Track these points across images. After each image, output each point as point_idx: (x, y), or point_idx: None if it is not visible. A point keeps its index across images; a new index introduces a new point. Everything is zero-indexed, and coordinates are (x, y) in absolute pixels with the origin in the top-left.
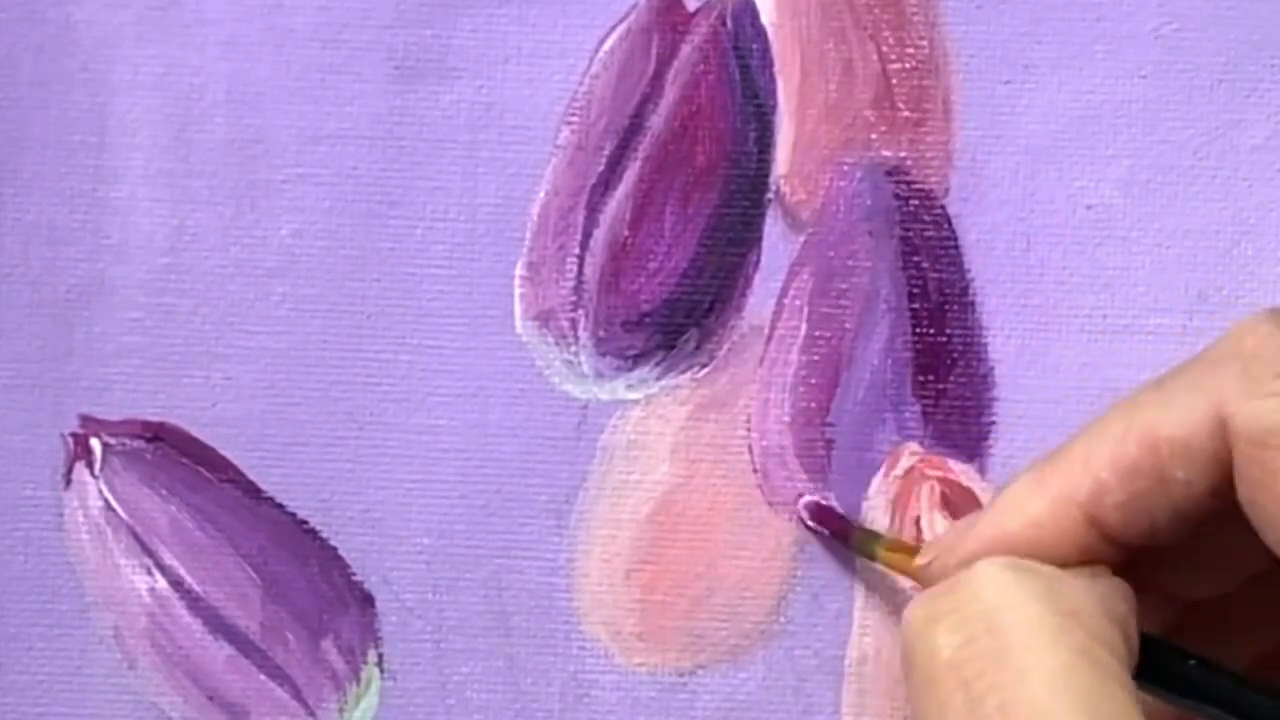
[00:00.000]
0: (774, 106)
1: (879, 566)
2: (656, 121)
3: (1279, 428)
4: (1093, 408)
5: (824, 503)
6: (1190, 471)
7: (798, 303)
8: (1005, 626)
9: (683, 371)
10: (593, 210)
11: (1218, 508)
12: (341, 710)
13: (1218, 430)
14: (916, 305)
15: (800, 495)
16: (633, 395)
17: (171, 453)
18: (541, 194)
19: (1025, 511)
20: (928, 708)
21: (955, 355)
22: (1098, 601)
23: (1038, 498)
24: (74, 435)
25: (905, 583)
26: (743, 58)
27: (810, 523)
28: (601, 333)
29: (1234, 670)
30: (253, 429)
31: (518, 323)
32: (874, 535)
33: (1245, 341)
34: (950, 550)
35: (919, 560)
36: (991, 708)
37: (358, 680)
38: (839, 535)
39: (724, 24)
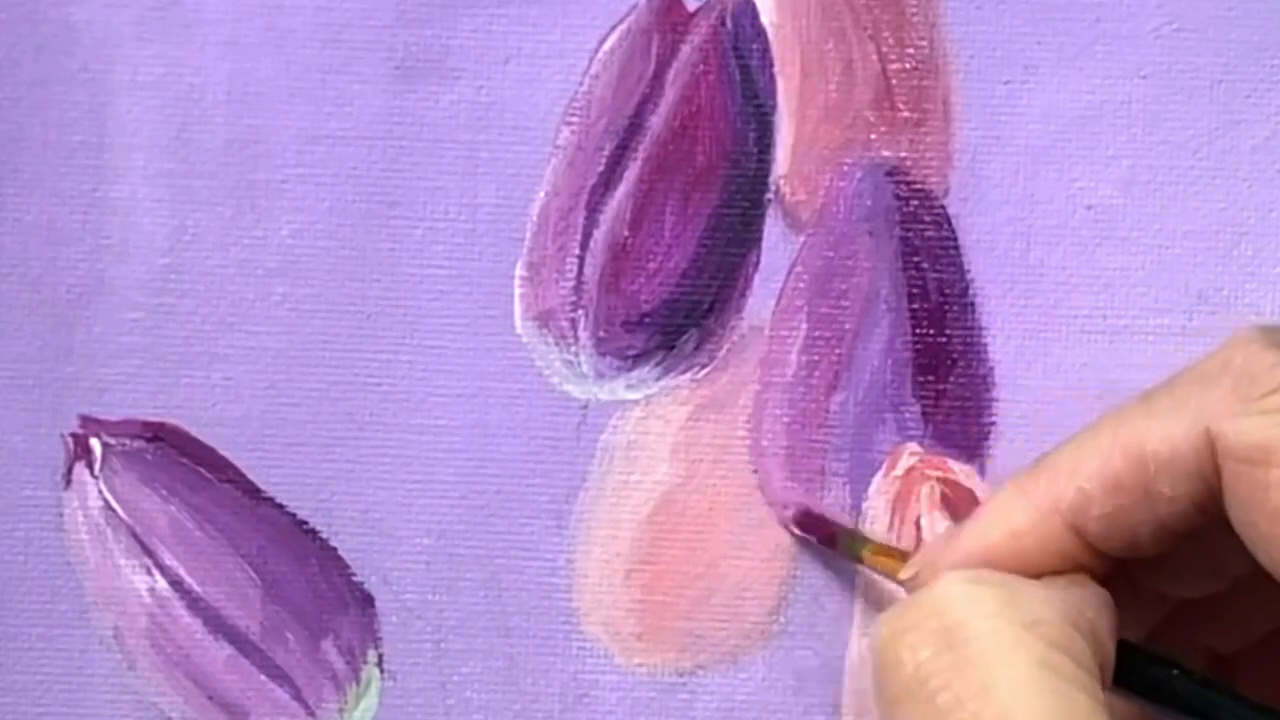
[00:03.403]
0: (774, 107)
1: (867, 570)
2: (656, 122)
3: (1269, 444)
4: (1093, 408)
5: (813, 510)
6: (1176, 487)
7: (798, 303)
8: (966, 640)
9: (683, 372)
10: (593, 210)
11: (1203, 522)
12: (341, 710)
13: (1205, 447)
14: (916, 305)
15: (789, 505)
16: (633, 395)
17: (171, 453)
18: (541, 194)
19: (1008, 521)
20: None
21: (955, 355)
22: (1060, 610)
23: (1020, 508)
24: (74, 435)
25: None
26: (743, 58)
27: (797, 531)
28: (601, 333)
29: (1214, 681)
30: (253, 429)
31: (518, 323)
32: (860, 539)
33: (1234, 358)
34: (933, 563)
35: (903, 574)
36: None
37: (357, 680)
38: (826, 541)
39: (724, 24)
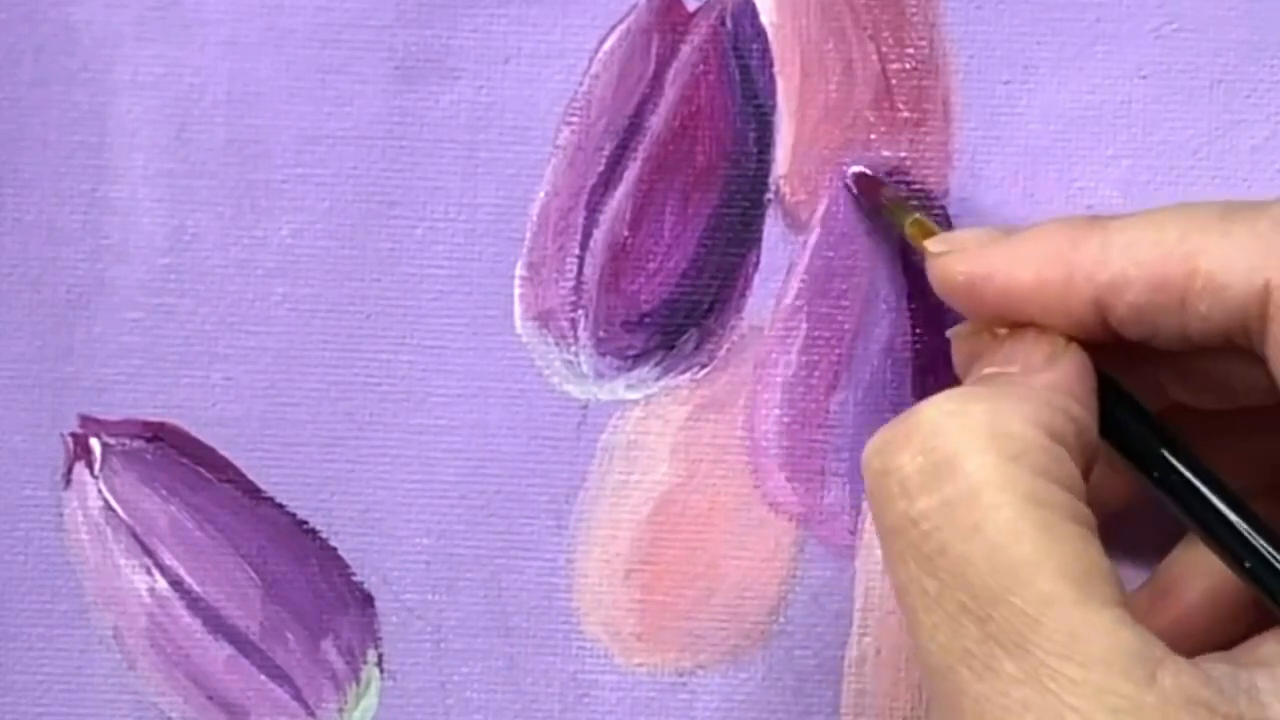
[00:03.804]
0: (774, 107)
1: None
2: (656, 122)
3: None
4: None
5: (868, 172)
6: (1213, 310)
7: (798, 303)
8: (954, 477)
9: (682, 371)
10: (593, 210)
11: (1222, 346)
12: (341, 710)
13: (1258, 292)
14: (916, 305)
15: (847, 164)
16: (632, 395)
17: (171, 453)
18: (541, 194)
19: (1044, 268)
20: (888, 555)
21: None
22: (1045, 420)
23: (1060, 261)
24: (74, 435)
25: None
26: (743, 58)
27: (854, 188)
28: (601, 333)
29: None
30: (253, 429)
31: (518, 323)
32: (907, 209)
33: None
34: (962, 257)
35: (932, 246)
36: (946, 565)
37: (357, 680)
38: (875, 205)
39: (724, 24)
